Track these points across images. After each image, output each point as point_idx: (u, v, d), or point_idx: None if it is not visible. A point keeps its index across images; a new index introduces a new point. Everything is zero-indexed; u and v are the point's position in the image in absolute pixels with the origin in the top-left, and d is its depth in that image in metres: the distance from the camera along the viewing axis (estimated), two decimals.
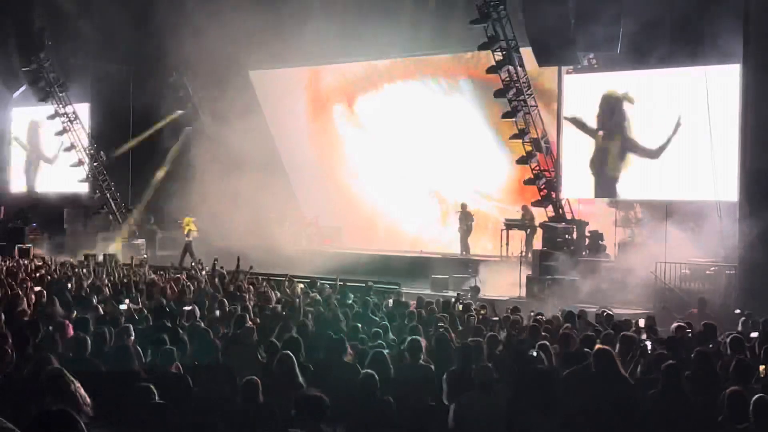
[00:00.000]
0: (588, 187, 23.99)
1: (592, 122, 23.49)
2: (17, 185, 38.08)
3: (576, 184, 24.10)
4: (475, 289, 20.35)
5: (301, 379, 9.12)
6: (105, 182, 34.28)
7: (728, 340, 11.59)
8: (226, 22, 28.53)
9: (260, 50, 29.82)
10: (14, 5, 32.55)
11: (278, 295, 18.02)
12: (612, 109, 23.31)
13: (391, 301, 17.53)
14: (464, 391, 8.84)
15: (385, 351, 10.49)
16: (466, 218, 27.37)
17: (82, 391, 7.31)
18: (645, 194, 23.29)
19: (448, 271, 24.02)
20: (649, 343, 11.60)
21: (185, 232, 29.78)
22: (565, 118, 23.71)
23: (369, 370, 8.86)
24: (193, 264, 24.70)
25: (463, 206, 27.48)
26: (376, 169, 31.73)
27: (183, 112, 33.58)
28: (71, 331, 11.36)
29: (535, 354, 9.90)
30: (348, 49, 29.53)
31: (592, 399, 8.75)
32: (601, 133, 23.45)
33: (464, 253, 26.93)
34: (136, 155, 34.84)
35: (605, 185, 23.62)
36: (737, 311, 15.72)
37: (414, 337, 10.67)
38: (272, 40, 29.06)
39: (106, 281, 19.62)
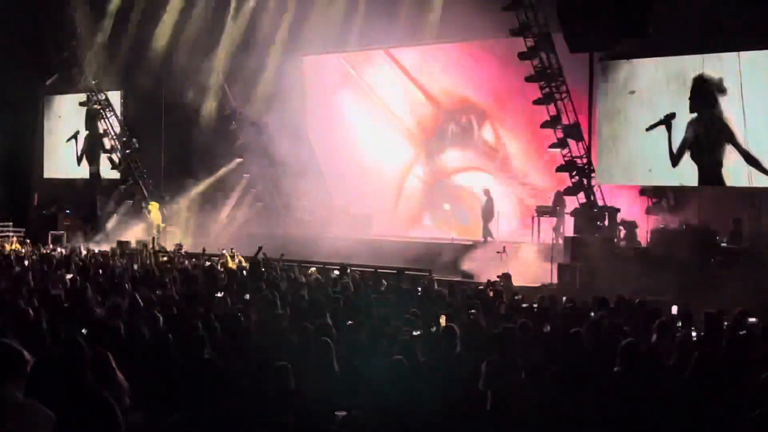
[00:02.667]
0: (620, 173, 23.92)
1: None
2: (50, 172, 38.34)
3: (608, 170, 24.01)
4: (506, 276, 20.28)
5: (335, 365, 9.13)
6: (137, 169, 34.47)
7: (761, 326, 11.54)
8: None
9: (289, 36, 29.86)
10: None
11: (309, 281, 18.06)
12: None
13: (420, 288, 17.53)
14: (504, 378, 8.82)
15: (415, 333, 10.52)
16: (488, 203, 27.23)
17: (121, 377, 7.40)
18: (678, 180, 23.15)
19: (478, 258, 23.95)
20: (693, 331, 11.57)
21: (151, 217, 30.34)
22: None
23: (399, 356, 8.87)
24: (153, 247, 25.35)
25: (486, 191, 27.37)
26: (407, 157, 31.71)
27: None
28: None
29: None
30: (380, 36, 29.45)
31: (622, 388, 8.74)
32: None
33: (488, 238, 26.75)
34: (169, 143, 35.00)
35: (636, 171, 23.56)
36: None
37: (448, 324, 10.66)
38: (302, 27, 29.08)
39: (139, 268, 19.75)
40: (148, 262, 20.99)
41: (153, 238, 29.47)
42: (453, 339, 10.03)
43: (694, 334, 11.46)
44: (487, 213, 27.04)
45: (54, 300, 13.54)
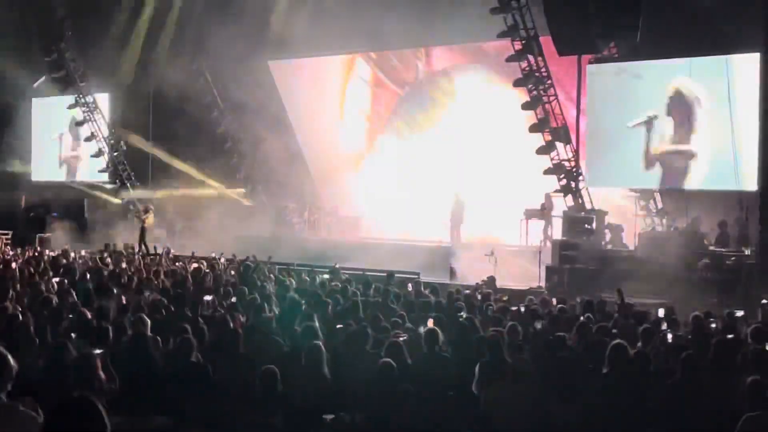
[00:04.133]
0: (608, 176, 23.97)
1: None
2: (38, 174, 38.25)
3: (596, 173, 24.05)
4: (491, 279, 20.30)
5: (326, 369, 9.12)
6: (125, 172, 34.42)
7: (749, 330, 11.56)
8: (246, 11, 28.62)
9: (279, 40, 29.85)
10: None
11: (297, 284, 18.05)
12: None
13: (408, 290, 17.53)
14: (496, 380, 8.84)
15: (402, 338, 10.51)
16: (458, 206, 27.29)
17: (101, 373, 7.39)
18: (666, 183, 23.23)
19: (467, 261, 23.95)
20: (669, 333, 11.59)
21: (142, 218, 30.16)
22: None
23: (387, 359, 8.86)
24: (141, 250, 25.16)
25: (457, 195, 27.45)
26: (396, 159, 31.70)
27: None
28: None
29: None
30: (366, 39, 29.45)
31: (610, 391, 8.75)
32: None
33: (457, 243, 26.78)
34: (156, 143, 34.98)
35: (625, 174, 23.64)
36: (764, 301, 15.63)
37: (430, 327, 10.66)
38: (292, 29, 29.05)
39: (127, 271, 19.70)
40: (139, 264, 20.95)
41: (140, 240, 29.43)
42: (435, 342, 10.04)
43: (670, 336, 11.46)
44: (457, 217, 27.09)
45: (41, 303, 13.49)
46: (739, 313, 13.93)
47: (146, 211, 30.56)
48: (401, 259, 24.24)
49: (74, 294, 14.61)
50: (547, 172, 24.21)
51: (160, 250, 24.75)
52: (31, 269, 19.10)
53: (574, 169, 23.97)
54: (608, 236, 23.59)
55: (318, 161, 33.17)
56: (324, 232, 30.58)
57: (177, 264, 21.87)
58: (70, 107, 34.92)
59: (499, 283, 20.37)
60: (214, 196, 32.06)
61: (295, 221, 30.96)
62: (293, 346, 10.21)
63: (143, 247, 28.70)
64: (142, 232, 29.95)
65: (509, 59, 24.31)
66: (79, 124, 35.06)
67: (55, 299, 13.79)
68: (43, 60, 34.47)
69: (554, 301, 16.09)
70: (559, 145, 24.07)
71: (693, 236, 21.39)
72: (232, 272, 20.54)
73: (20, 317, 10.97)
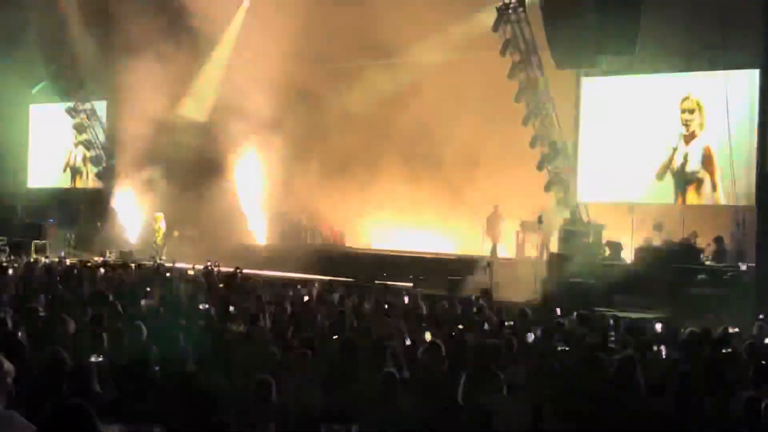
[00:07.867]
0: (605, 191, 23.98)
1: None
2: (35, 181, 38.25)
3: (593, 186, 24.05)
4: (486, 292, 20.26)
5: (315, 378, 9.10)
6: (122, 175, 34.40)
7: (744, 345, 11.56)
8: None
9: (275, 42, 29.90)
10: (36, 1, 32.80)
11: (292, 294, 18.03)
12: None
13: (406, 299, 17.53)
14: (482, 392, 8.79)
15: (400, 348, 10.50)
16: (495, 220, 27.16)
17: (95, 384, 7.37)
18: (661, 198, 23.28)
19: (465, 273, 23.90)
20: (664, 349, 11.58)
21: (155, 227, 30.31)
22: None
23: (390, 370, 8.81)
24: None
25: (495, 208, 27.28)
26: (395, 168, 31.66)
27: None
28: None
29: None
30: (368, 49, 29.50)
31: (607, 404, 8.72)
32: None
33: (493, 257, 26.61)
34: (155, 151, 34.95)
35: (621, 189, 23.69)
36: (761, 316, 15.63)
37: (433, 340, 10.64)
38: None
39: (123, 277, 19.68)
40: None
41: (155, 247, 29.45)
42: (438, 355, 10.00)
43: (666, 352, 11.47)
44: (493, 230, 26.93)
45: (34, 311, 13.45)
46: (734, 329, 13.91)
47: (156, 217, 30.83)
48: (398, 270, 24.25)
49: (69, 301, 14.58)
50: (546, 186, 24.10)
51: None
52: (27, 275, 19.08)
53: (570, 183, 23.95)
54: (606, 252, 23.54)
55: (318, 167, 33.09)
56: (321, 241, 30.51)
57: (172, 271, 21.80)
58: (68, 111, 34.87)
59: (494, 296, 20.35)
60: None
61: (293, 229, 30.88)
62: (288, 356, 10.17)
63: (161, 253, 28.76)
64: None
65: (510, 75, 24.18)
66: (77, 128, 34.99)
67: (48, 306, 13.78)
68: (41, 66, 34.48)
69: (550, 314, 16.07)
70: (557, 159, 24.04)
71: (689, 251, 21.39)
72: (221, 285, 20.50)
73: (13, 324, 10.95)
